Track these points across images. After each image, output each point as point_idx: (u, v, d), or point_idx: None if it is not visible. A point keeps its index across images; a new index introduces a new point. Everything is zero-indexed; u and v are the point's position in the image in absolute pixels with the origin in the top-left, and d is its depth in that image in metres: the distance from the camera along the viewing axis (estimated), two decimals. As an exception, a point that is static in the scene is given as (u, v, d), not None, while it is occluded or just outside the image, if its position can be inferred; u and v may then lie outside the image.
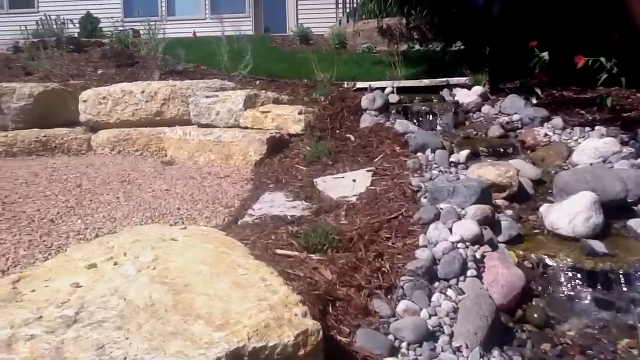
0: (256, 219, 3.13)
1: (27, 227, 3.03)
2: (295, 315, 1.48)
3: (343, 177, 3.72)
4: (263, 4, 12.59)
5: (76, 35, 10.87)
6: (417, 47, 9.10)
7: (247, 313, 1.46)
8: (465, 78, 5.57)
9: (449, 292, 2.44)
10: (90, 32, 11.43)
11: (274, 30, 12.21)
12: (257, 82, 6.93)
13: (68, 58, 8.42)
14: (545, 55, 5.20)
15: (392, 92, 5.32)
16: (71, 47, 9.02)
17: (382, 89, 5.40)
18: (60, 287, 1.74)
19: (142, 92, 6.19)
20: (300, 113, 5.03)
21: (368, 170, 3.75)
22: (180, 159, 5.37)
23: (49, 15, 11.48)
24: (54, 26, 10.97)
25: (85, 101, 6.45)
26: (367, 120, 4.91)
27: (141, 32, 10.01)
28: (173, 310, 1.50)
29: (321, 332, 1.46)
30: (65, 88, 6.82)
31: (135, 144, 5.98)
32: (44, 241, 2.77)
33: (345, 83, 5.74)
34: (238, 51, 7.58)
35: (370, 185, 3.50)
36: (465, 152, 4.09)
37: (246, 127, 5.34)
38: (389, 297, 2.37)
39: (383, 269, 2.52)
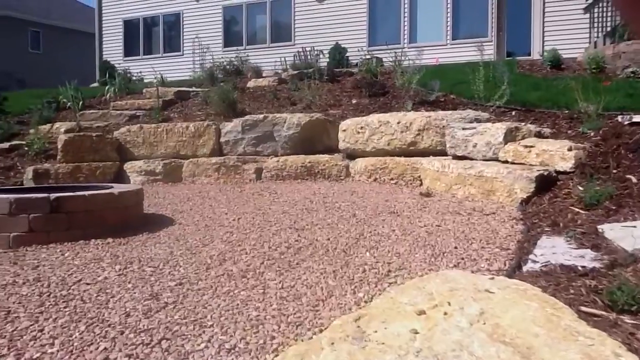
0: (542, 266, 3.02)
1: (325, 257, 3.35)
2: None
3: (635, 227, 3.40)
4: (506, 27, 12.20)
5: (325, 64, 11.82)
6: (694, 69, 8.01)
7: (620, 396, 1.42)
8: None
9: None
10: (338, 61, 12.31)
11: (516, 54, 11.76)
12: (513, 112, 6.70)
13: (324, 88, 9.18)
14: None
15: (679, 127, 4.73)
16: (326, 77, 9.83)
17: (666, 123, 4.83)
18: (399, 331, 1.89)
19: (398, 122, 6.47)
20: (569, 149, 4.75)
21: (666, 221, 3.38)
22: (437, 190, 5.46)
23: (305, 48, 12.72)
24: (309, 57, 12.13)
25: (344, 130, 6.98)
26: (651, 160, 4.44)
27: (384, 59, 10.51)
28: (530, 377, 1.53)
29: None
30: (326, 118, 7.45)
31: (390, 172, 6.26)
32: (345, 272, 3.02)
33: (620, 117, 5.25)
34: (488, 79, 7.47)
35: (673, 239, 3.14)
36: None
37: (506, 162, 5.22)
38: None
39: None
